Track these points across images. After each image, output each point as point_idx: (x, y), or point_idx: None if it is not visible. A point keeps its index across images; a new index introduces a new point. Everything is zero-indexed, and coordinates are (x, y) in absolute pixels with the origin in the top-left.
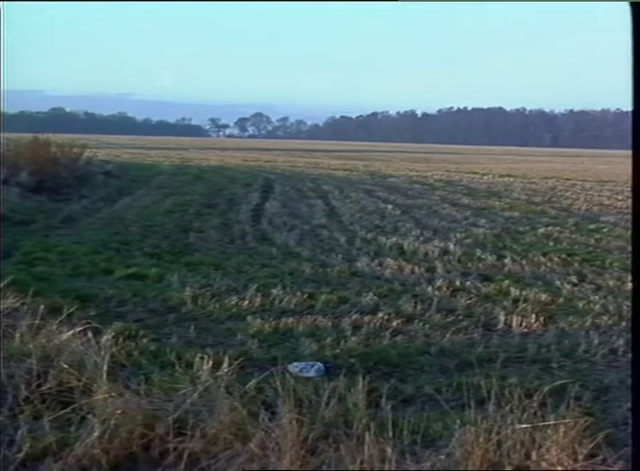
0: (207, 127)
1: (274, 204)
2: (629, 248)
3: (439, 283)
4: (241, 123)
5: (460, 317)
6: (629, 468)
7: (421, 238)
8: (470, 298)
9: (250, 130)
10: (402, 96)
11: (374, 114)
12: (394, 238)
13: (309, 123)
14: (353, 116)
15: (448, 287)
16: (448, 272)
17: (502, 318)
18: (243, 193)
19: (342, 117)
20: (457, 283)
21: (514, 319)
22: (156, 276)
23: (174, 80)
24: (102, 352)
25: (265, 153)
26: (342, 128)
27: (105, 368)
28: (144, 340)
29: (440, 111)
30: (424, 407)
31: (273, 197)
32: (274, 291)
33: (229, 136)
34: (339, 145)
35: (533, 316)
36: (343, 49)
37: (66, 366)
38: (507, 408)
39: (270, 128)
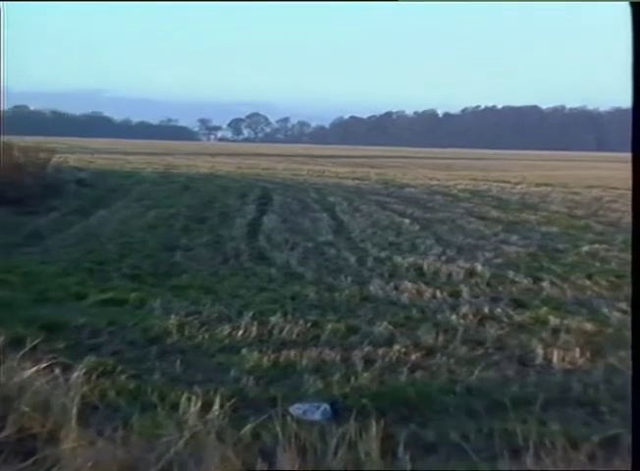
0: (196, 128)
1: (273, 218)
2: None
3: (464, 309)
4: (235, 124)
5: (491, 350)
6: (629, 468)
7: (443, 258)
8: (502, 328)
9: (246, 132)
10: (421, 93)
11: (388, 114)
12: (411, 258)
13: (313, 124)
14: (364, 116)
15: (475, 315)
16: (475, 297)
17: (540, 352)
18: (238, 206)
19: (351, 117)
20: (486, 309)
21: (555, 353)
22: (136, 301)
23: (157, 76)
24: (71, 392)
25: (263, 159)
26: (351, 130)
27: (74, 411)
28: (122, 378)
29: (464, 110)
30: (449, 457)
31: (272, 210)
32: (273, 319)
33: (221, 140)
34: (347, 150)
35: (577, 349)
36: (352, 40)
37: (28, 409)
38: (549, 461)
39: (268, 130)
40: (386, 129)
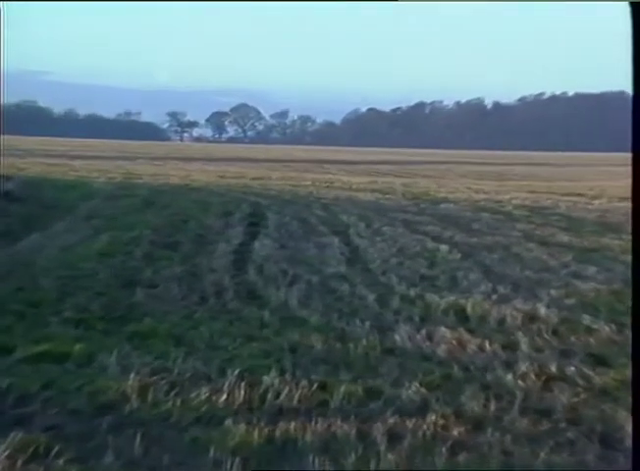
0: (165, 125)
1: (266, 244)
2: None
3: (524, 367)
4: (217, 119)
5: (561, 424)
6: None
7: (494, 297)
8: (576, 394)
9: (231, 130)
10: (463, 78)
11: (419, 105)
12: (450, 297)
13: (319, 120)
14: (387, 109)
15: (538, 376)
16: (538, 350)
17: (630, 428)
18: (220, 227)
19: (369, 110)
20: (554, 368)
21: None
22: (82, 355)
23: (114, 55)
24: None
25: (253, 165)
26: (369, 127)
27: None
28: (60, 462)
29: (522, 99)
30: None
31: (265, 233)
32: (266, 379)
33: (198, 140)
34: (365, 154)
35: None
36: (371, 9)
37: None
38: None
39: (260, 127)
40: (416, 125)
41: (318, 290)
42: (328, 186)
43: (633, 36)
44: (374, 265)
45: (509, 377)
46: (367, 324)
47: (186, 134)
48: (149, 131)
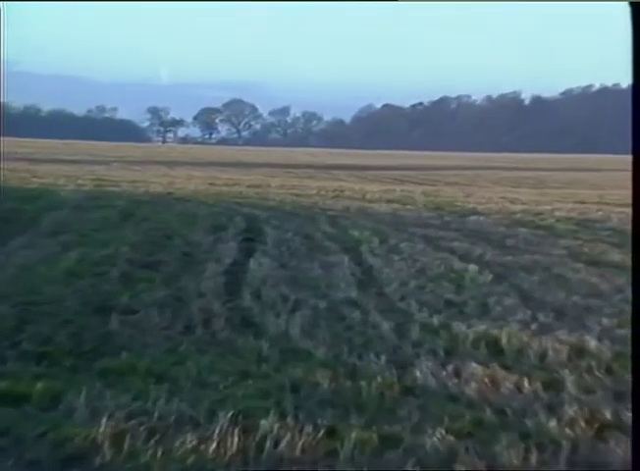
0: (145, 123)
1: (264, 263)
2: None
3: (571, 412)
4: (206, 116)
5: None
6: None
7: (533, 326)
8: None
9: (223, 129)
10: (496, 68)
11: (443, 101)
12: (481, 326)
13: (327, 117)
14: (406, 104)
15: (589, 422)
16: (587, 391)
17: None
18: (209, 244)
19: (384, 106)
20: (607, 414)
21: None
22: (45, 396)
23: (86, 42)
24: None
25: (249, 171)
26: (384, 125)
27: None
28: None
29: (566, 93)
30: None
31: (262, 251)
32: (264, 424)
33: (184, 141)
34: (379, 157)
35: None
36: None
37: None
38: None
39: (257, 126)
40: (439, 123)
41: (325, 318)
42: (336, 196)
43: (633, 36)
44: (390, 288)
45: (554, 423)
46: (383, 358)
47: (169, 134)
48: (126, 131)
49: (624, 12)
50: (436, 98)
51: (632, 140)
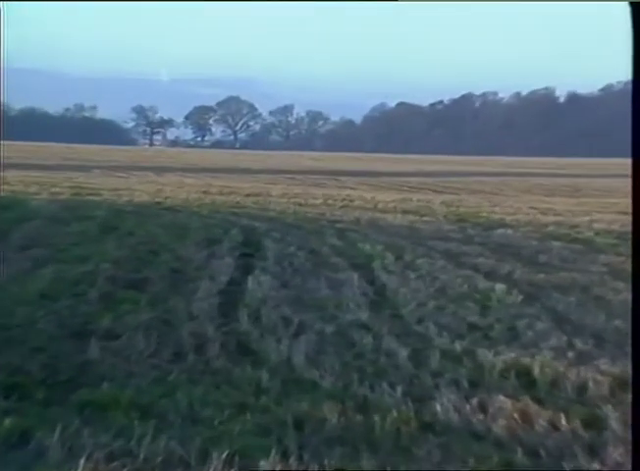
0: (129, 123)
1: (264, 281)
2: None
3: (616, 454)
4: (199, 116)
5: None
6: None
7: (570, 355)
8: None
9: (217, 130)
10: (525, 65)
11: (466, 98)
12: (510, 353)
13: (334, 117)
14: (424, 103)
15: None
16: None
17: None
18: (203, 259)
19: (399, 105)
20: None
21: None
22: (13, 433)
23: (62, 32)
24: None
25: (247, 178)
26: (399, 126)
27: None
28: None
29: (605, 89)
30: None
31: (262, 267)
32: (264, 465)
33: (173, 143)
34: (394, 162)
35: None
36: None
37: None
38: None
39: (257, 127)
40: (462, 123)
41: (332, 344)
42: (345, 206)
43: (633, 36)
44: (407, 310)
45: (596, 465)
46: (398, 389)
47: (157, 136)
48: (108, 132)
49: (624, 12)
50: (458, 96)
51: (632, 146)
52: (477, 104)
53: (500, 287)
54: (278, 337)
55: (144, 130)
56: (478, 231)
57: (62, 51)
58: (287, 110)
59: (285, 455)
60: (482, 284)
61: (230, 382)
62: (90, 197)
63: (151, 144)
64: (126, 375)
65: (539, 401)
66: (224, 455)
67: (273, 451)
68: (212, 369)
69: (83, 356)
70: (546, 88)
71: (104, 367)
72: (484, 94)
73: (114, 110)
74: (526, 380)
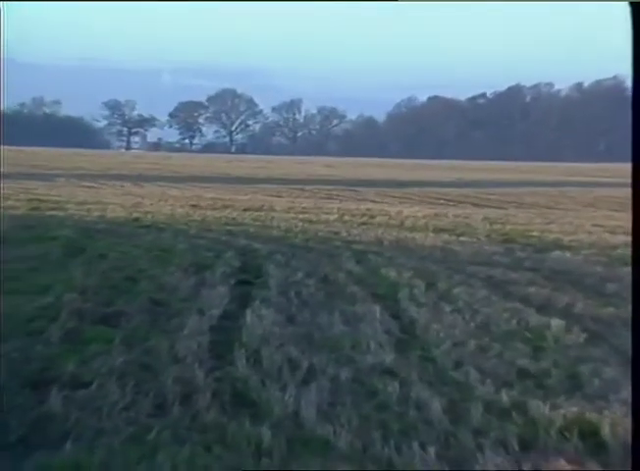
0: (102, 122)
1: (266, 315)
2: None
3: None
4: (187, 114)
5: None
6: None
7: None
8: None
9: (209, 131)
10: (587, 49)
11: (515, 91)
12: (571, 407)
13: (351, 114)
14: (461, 97)
15: None
16: None
17: None
18: (190, 288)
19: (432, 99)
20: None
21: None
22: None
23: (28, 17)
24: None
25: (245, 188)
26: (431, 125)
27: None
28: None
29: None
30: None
31: (263, 298)
32: None
33: (155, 147)
34: (423, 169)
35: None
36: None
37: None
38: None
39: (257, 126)
40: (510, 122)
41: (350, 393)
42: (365, 223)
43: (633, 36)
44: (441, 351)
45: None
46: (431, 451)
47: (135, 138)
48: (75, 132)
49: (624, 12)
50: (504, 88)
51: (632, 150)
52: (528, 98)
53: (557, 323)
54: (282, 384)
55: (120, 131)
56: (529, 253)
57: (14, 31)
58: (293, 106)
59: None
60: (534, 319)
61: (223, 441)
62: (53, 212)
63: (128, 148)
64: (95, 433)
65: (608, 466)
66: None
67: None
68: (202, 425)
69: (41, 410)
70: (614, 78)
71: (67, 423)
72: (537, 86)
73: (82, 105)
74: (592, 441)
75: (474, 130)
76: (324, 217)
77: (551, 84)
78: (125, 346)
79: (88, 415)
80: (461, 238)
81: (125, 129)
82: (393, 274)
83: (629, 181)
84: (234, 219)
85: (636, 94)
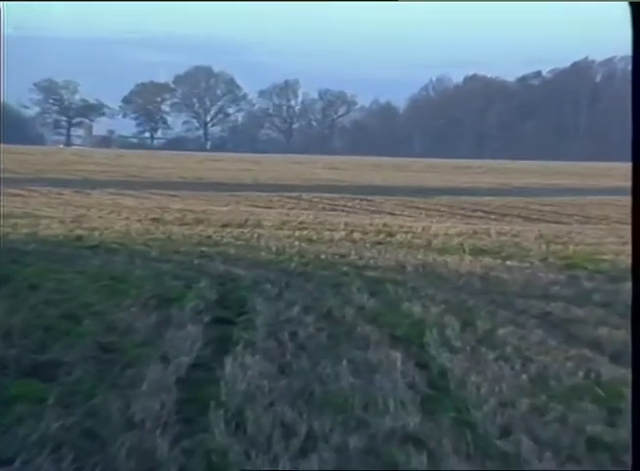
0: (33, 109)
1: (251, 364)
2: None
3: None
4: (146, 98)
5: None
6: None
7: None
8: None
9: (177, 121)
10: None
11: (580, 67)
12: None
13: (362, 100)
14: (509, 77)
15: None
16: None
17: None
18: (151, 329)
19: (470, 79)
20: None
21: None
22: None
23: None
24: None
25: (224, 197)
26: (468, 113)
27: None
28: None
29: None
30: None
31: (247, 341)
32: None
33: (105, 142)
34: (457, 170)
35: None
36: None
37: None
38: None
39: (239, 115)
40: (574, 108)
41: (361, 466)
42: (380, 242)
43: (633, 36)
44: (481, 413)
45: None
46: None
47: (78, 130)
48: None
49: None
50: (566, 65)
51: (632, 150)
52: (598, 78)
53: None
54: (273, 457)
55: (57, 121)
56: (598, 283)
57: None
58: (288, 89)
59: None
60: (607, 371)
61: None
62: None
63: (68, 143)
64: None
65: None
66: None
67: None
68: None
69: None
70: None
71: None
72: (610, 61)
73: (4, 87)
74: None
75: (524, 119)
76: (327, 234)
77: (627, 58)
78: (62, 407)
79: None
80: (508, 263)
81: (63, 118)
82: (417, 310)
83: None
84: (209, 237)
85: (636, 94)
